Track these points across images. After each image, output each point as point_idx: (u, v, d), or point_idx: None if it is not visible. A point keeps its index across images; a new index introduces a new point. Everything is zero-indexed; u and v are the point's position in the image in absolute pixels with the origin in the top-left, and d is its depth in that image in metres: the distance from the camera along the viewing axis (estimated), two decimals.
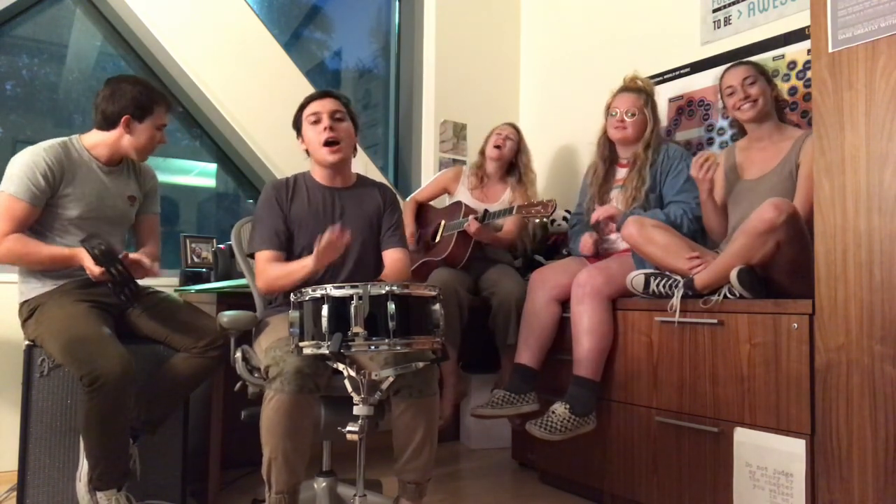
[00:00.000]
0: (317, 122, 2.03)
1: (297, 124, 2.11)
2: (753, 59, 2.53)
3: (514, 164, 2.96)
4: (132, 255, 1.94)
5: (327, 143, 2.02)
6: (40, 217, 1.95)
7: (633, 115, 2.48)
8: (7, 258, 1.92)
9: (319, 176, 2.10)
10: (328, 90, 2.13)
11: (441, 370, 2.58)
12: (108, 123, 2.03)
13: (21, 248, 1.90)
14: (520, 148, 2.95)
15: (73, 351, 1.78)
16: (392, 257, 2.09)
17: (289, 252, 2.01)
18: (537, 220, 2.43)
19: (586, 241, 2.49)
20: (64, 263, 1.93)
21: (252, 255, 2.05)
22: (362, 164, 3.20)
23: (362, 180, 2.18)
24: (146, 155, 2.10)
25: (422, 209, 3.06)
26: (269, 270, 1.95)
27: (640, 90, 2.54)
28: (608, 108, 2.57)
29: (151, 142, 2.07)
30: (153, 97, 2.05)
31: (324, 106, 2.04)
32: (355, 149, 2.15)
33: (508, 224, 2.78)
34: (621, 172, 2.55)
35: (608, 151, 2.59)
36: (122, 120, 2.01)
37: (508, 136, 2.92)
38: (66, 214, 1.97)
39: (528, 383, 2.31)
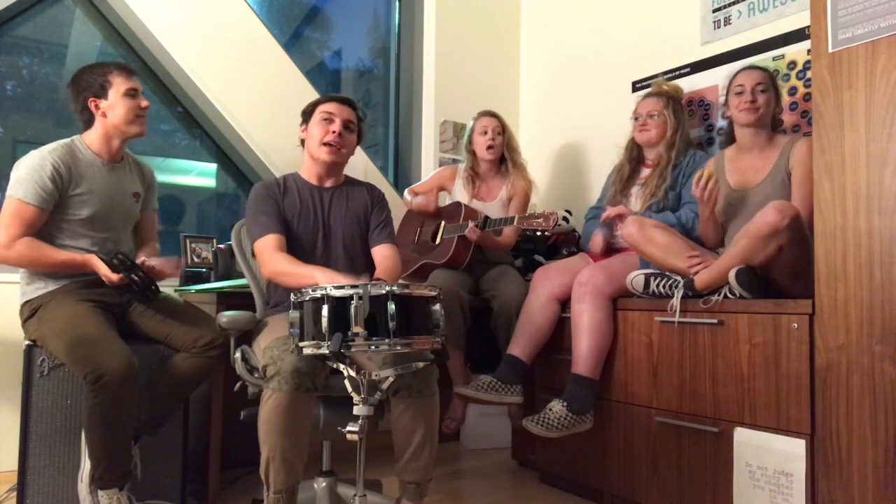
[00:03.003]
0: (328, 122, 2.06)
1: (307, 115, 2.12)
2: (755, 59, 2.54)
3: (503, 155, 2.94)
4: (154, 264, 1.98)
5: (328, 145, 2.05)
6: (49, 220, 1.96)
7: (655, 116, 2.51)
8: (19, 262, 1.92)
9: (309, 175, 2.13)
10: (352, 99, 2.15)
11: (450, 373, 2.59)
12: (86, 119, 2.04)
13: (33, 253, 1.91)
14: (506, 138, 2.92)
15: (77, 350, 1.78)
16: (382, 254, 2.12)
17: None
18: (538, 233, 2.41)
19: (596, 240, 2.50)
20: (77, 268, 1.94)
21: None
22: (362, 164, 3.20)
23: (350, 180, 2.22)
24: (137, 125, 2.04)
25: None
26: (277, 261, 1.94)
27: (662, 94, 2.57)
28: (634, 113, 2.60)
29: (130, 110, 2.02)
30: (101, 70, 2.02)
31: (341, 112, 2.08)
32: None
33: (508, 229, 2.77)
34: (645, 172, 2.58)
35: (635, 153, 2.62)
36: (91, 106, 2.01)
37: (495, 129, 2.87)
38: (78, 215, 1.98)
39: (516, 375, 2.31)
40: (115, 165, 2.08)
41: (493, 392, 2.28)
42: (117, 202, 2.07)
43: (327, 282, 1.71)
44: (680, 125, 2.52)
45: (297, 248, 2.03)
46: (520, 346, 2.34)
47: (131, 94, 2.03)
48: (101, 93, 2.01)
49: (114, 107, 2.01)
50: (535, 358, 2.36)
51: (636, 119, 2.58)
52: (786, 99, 2.43)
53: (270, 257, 1.95)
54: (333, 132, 2.04)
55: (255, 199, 2.06)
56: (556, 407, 2.14)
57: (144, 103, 2.05)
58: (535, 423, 2.14)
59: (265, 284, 2.15)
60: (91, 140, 2.05)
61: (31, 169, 1.91)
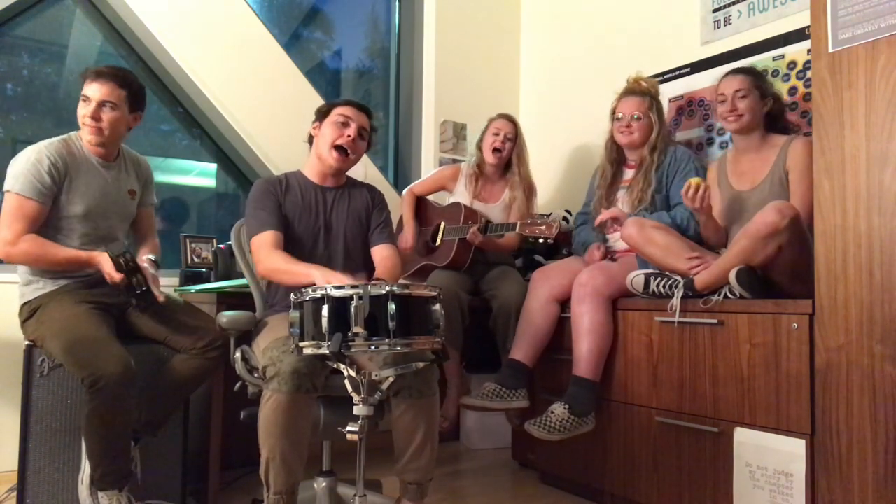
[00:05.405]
0: (344, 125, 2.06)
1: (322, 114, 2.12)
2: (755, 59, 2.54)
3: (510, 160, 2.92)
4: (147, 268, 1.96)
5: (339, 148, 2.05)
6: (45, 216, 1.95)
7: (639, 118, 2.46)
8: (24, 259, 1.91)
9: (311, 174, 2.14)
10: (369, 108, 2.15)
11: (445, 372, 2.59)
12: None
13: (38, 250, 1.90)
14: (517, 143, 2.89)
15: (75, 352, 1.78)
16: (382, 254, 2.12)
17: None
18: (541, 241, 2.39)
19: (593, 253, 2.47)
20: (81, 265, 1.93)
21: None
22: (362, 165, 3.19)
23: (351, 181, 2.22)
24: (87, 133, 1.99)
25: (420, 206, 3.05)
26: (274, 258, 1.93)
27: (644, 93, 2.51)
28: (613, 111, 2.54)
29: (80, 117, 1.99)
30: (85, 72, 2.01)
31: (358, 118, 2.08)
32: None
33: (509, 234, 2.76)
34: (628, 173, 2.55)
35: (616, 154, 2.58)
36: None
37: (507, 135, 2.85)
38: (72, 211, 1.97)
39: (519, 379, 2.31)
40: (111, 163, 2.08)
41: (498, 399, 2.28)
42: (112, 199, 2.06)
43: (324, 280, 1.70)
44: (662, 126, 2.49)
45: (297, 246, 2.03)
46: (521, 350, 2.34)
47: (83, 99, 1.99)
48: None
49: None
50: (536, 360, 2.36)
51: (618, 118, 2.51)
52: (785, 99, 2.42)
53: (267, 255, 1.94)
54: (348, 136, 2.05)
55: (255, 194, 2.06)
56: (558, 409, 2.14)
57: (90, 112, 1.96)
58: (538, 426, 2.14)
59: (265, 284, 2.15)
60: (84, 137, 2.04)
61: (28, 163, 1.91)
